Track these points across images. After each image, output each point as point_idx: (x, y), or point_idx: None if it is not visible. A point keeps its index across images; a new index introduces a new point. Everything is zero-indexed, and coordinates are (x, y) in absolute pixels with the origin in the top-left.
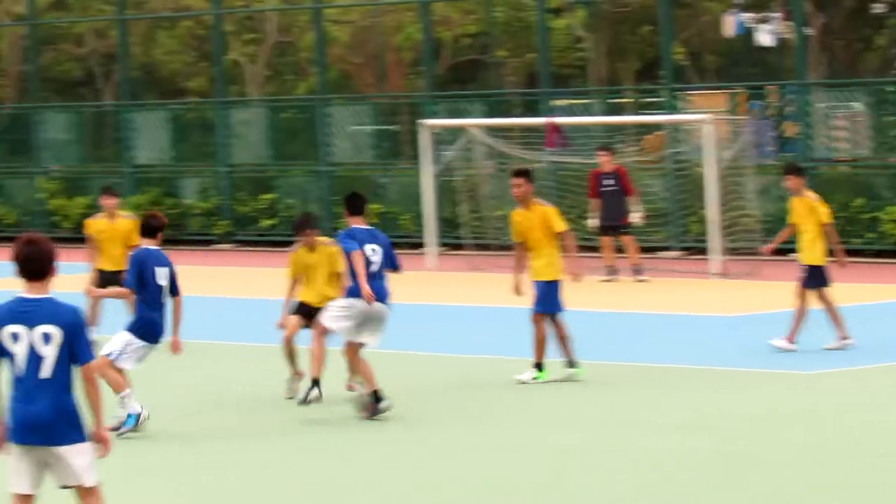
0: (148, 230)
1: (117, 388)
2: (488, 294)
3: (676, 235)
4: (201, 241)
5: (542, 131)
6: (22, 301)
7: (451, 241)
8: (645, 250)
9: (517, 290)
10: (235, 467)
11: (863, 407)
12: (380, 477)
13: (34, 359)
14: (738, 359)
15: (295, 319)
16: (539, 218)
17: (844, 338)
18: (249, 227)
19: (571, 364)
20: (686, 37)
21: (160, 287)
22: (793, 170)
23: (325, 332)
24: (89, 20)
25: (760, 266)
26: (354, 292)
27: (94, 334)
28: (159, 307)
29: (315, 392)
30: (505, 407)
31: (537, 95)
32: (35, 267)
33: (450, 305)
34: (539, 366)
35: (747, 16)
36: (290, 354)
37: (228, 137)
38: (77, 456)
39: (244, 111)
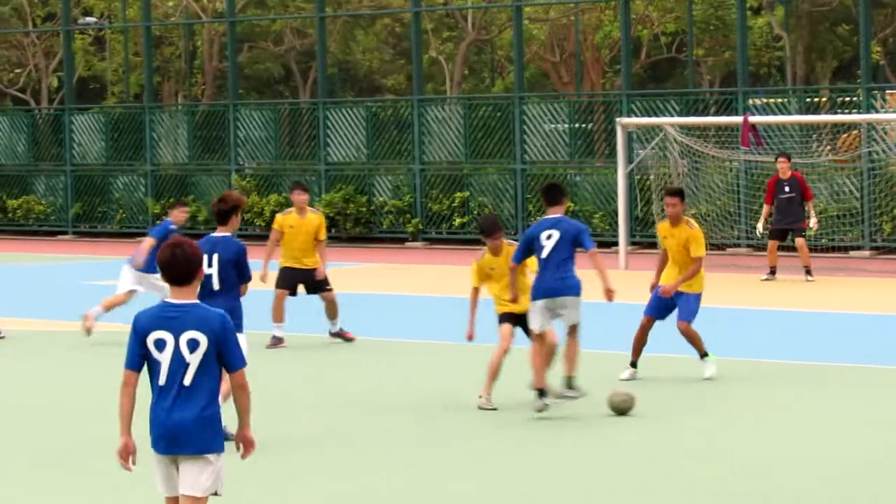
0: (219, 216)
1: None
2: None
3: (868, 235)
4: (393, 238)
5: (738, 130)
6: (168, 306)
7: (642, 239)
8: (835, 249)
9: (651, 289)
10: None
11: None
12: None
13: (179, 366)
14: None
15: (507, 329)
16: (683, 238)
17: None
18: (442, 225)
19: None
20: (884, 36)
21: (207, 276)
22: None
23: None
24: (288, 18)
25: None
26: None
27: (279, 331)
28: (203, 295)
29: (572, 393)
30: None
31: (733, 94)
32: (182, 270)
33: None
34: (704, 354)
35: None
36: (496, 371)
37: (423, 135)
38: (207, 466)
39: (440, 109)
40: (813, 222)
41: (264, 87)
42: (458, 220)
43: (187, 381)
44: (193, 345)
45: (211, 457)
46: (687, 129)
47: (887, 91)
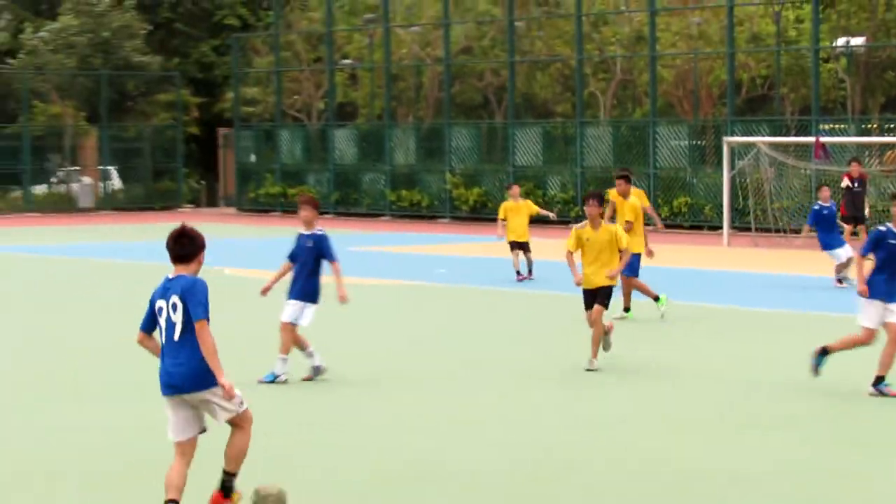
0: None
1: (302, 346)
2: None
3: None
4: (560, 221)
5: (812, 147)
6: (167, 280)
7: (740, 225)
8: None
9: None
10: None
11: None
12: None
13: (169, 326)
14: None
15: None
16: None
17: None
18: None
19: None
20: None
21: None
22: None
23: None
24: (489, 63)
25: None
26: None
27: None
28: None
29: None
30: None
31: (809, 121)
32: (182, 253)
33: (740, 272)
34: (656, 298)
35: None
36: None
37: (583, 147)
38: (214, 395)
39: (595, 129)
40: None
41: (469, 112)
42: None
43: (176, 337)
44: (174, 307)
45: (207, 393)
46: (774, 147)
47: None
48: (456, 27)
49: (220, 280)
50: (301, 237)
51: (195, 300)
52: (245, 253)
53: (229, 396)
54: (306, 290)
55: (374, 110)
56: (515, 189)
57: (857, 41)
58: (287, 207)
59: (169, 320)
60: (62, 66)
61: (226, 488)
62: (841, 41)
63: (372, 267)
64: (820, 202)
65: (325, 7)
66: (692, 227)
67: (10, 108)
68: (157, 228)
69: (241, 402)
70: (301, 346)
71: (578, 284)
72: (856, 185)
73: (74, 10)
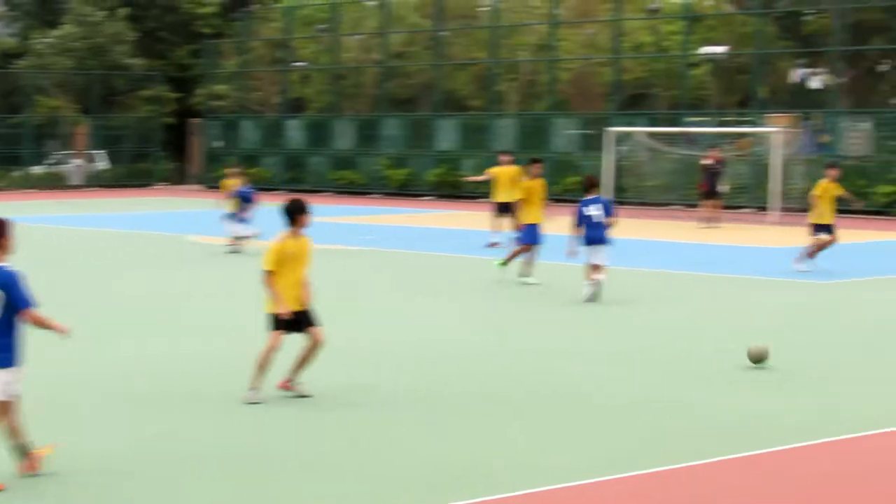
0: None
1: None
2: (645, 231)
3: (753, 199)
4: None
5: (681, 136)
6: None
7: (621, 199)
8: (732, 208)
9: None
10: None
11: None
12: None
13: None
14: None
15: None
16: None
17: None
18: None
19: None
20: (767, 82)
21: None
22: (833, 165)
23: None
24: (418, 65)
25: (801, 219)
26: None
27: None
28: None
29: None
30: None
31: (678, 114)
32: None
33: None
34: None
35: (805, 70)
36: None
37: (493, 135)
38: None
39: (504, 120)
40: (726, 188)
41: (399, 105)
42: None
43: None
44: None
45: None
46: (649, 135)
47: (767, 115)
48: (392, 36)
49: (184, 245)
50: None
51: (18, 290)
52: (207, 223)
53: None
54: None
55: (321, 104)
56: (506, 156)
57: (719, 50)
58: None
59: None
60: (62, 67)
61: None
62: (705, 49)
63: (314, 234)
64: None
65: (284, 18)
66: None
67: (16, 101)
68: (135, 202)
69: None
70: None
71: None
72: (716, 165)
73: (75, 20)
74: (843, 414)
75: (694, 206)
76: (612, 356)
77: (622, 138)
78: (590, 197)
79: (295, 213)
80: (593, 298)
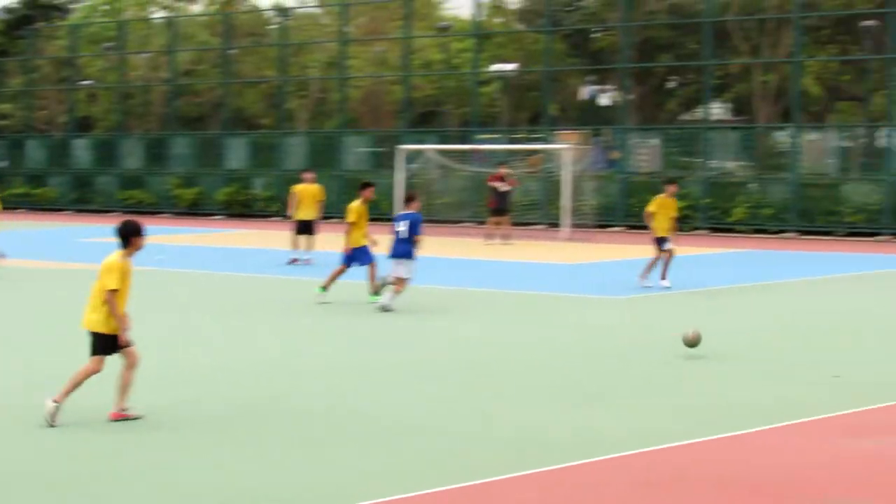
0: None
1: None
2: (437, 249)
3: (544, 215)
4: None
5: (471, 153)
6: None
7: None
8: (523, 224)
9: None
10: None
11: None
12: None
13: None
14: (584, 288)
15: None
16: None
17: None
18: None
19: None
20: (557, 99)
21: None
22: (672, 181)
23: None
24: (205, 83)
25: (593, 235)
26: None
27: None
28: None
29: None
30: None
31: (469, 132)
32: None
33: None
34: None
35: (594, 87)
36: None
37: (283, 154)
38: None
39: (294, 138)
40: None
41: (189, 124)
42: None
43: None
44: None
45: None
46: (440, 153)
47: (557, 132)
48: (180, 53)
49: None
50: None
51: None
52: None
53: None
54: None
55: (109, 123)
56: (308, 174)
57: (509, 67)
58: (31, 206)
59: None
60: None
61: None
62: (495, 67)
63: (100, 255)
64: None
65: (71, 36)
66: (372, 220)
67: None
68: None
69: None
70: None
71: None
72: (504, 184)
73: None
74: (614, 432)
75: (484, 223)
76: (393, 370)
77: (413, 156)
78: (403, 213)
79: (130, 236)
80: (389, 308)
